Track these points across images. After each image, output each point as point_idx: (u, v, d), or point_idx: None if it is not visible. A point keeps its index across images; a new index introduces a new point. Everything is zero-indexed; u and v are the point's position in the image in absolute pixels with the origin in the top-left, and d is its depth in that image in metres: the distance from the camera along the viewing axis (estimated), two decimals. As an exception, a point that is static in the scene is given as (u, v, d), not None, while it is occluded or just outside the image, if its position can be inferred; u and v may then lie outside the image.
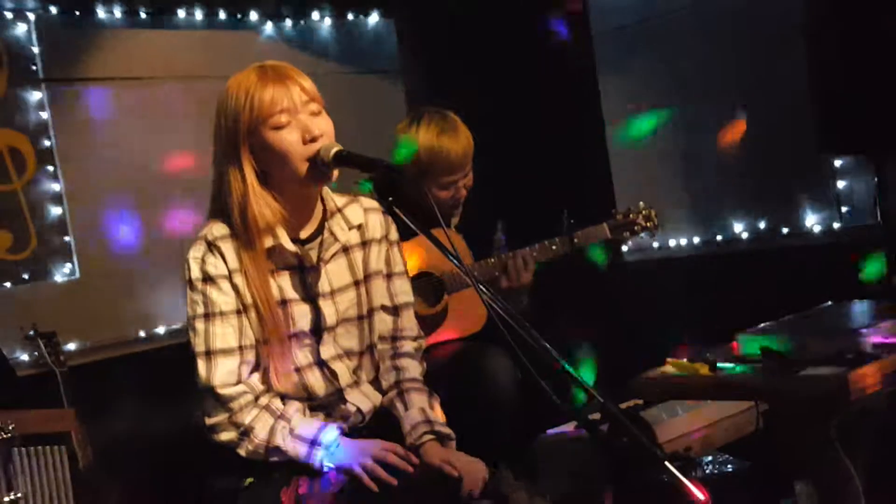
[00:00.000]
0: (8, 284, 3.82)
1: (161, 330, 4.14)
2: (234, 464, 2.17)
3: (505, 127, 4.13)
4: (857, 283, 3.65)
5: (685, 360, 2.30)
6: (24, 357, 3.70)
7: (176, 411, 3.91)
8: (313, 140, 2.12)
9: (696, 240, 4.60)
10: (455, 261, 1.99)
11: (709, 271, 4.46)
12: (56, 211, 3.96)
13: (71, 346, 3.86)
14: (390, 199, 2.10)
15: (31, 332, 3.59)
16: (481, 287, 1.96)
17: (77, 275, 3.98)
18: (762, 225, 4.38)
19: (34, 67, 3.97)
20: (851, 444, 2.11)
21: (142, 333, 4.11)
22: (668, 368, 2.19)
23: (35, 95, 3.95)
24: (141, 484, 3.55)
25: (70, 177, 4.00)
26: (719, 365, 2.17)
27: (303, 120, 2.13)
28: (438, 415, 2.27)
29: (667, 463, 1.73)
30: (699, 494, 1.71)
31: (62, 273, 3.95)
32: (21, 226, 3.88)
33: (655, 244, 4.67)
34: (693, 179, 4.58)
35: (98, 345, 3.98)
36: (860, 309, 2.43)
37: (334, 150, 2.12)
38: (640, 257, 4.68)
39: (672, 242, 4.64)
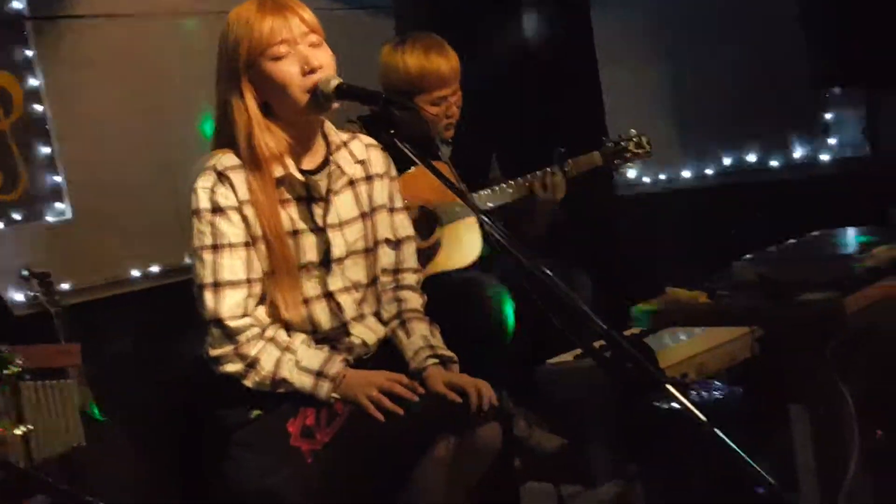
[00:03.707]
0: (0, 225, 3.81)
1: (155, 269, 4.14)
2: (241, 396, 2.20)
3: (499, 63, 4.12)
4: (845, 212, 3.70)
5: (683, 288, 2.33)
6: (20, 297, 3.70)
7: (171, 349, 3.95)
8: (312, 71, 2.13)
9: (686, 174, 4.61)
10: (459, 192, 2.01)
11: (698, 204, 4.48)
12: (45, 150, 3.92)
13: (65, 286, 3.86)
14: (392, 131, 2.12)
15: (25, 273, 3.59)
16: (484, 217, 1.97)
17: (69, 215, 3.96)
18: (751, 157, 4.40)
19: (19, 5, 3.91)
20: (846, 368, 2.15)
21: (135, 273, 4.11)
22: (668, 296, 2.23)
23: (21, 33, 3.90)
24: (139, 420, 3.59)
25: (59, 116, 3.95)
26: (718, 293, 2.20)
27: (302, 51, 2.13)
28: (440, 342, 2.31)
29: (670, 387, 1.77)
30: (702, 417, 1.75)
31: (54, 213, 3.94)
32: (10, 166, 3.84)
33: (646, 178, 4.68)
34: (682, 112, 4.58)
35: (92, 284, 3.97)
36: (851, 236, 2.47)
37: (334, 82, 2.13)
38: (630, 192, 4.70)
39: (662, 175, 4.65)
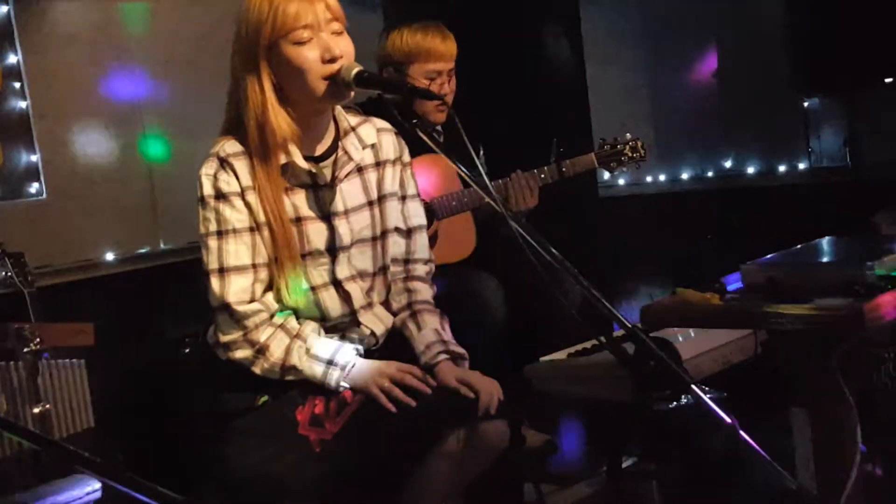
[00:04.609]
0: (-26, 203, 3.71)
1: (129, 252, 4.06)
2: (247, 382, 2.16)
3: (487, 61, 4.10)
4: (825, 221, 3.75)
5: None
6: (-9, 277, 3.61)
7: (146, 333, 3.89)
8: (333, 60, 2.10)
9: (662, 177, 4.64)
10: (484, 189, 1.99)
11: (675, 209, 4.52)
12: (23, 129, 3.84)
13: (39, 267, 3.77)
14: (414, 121, 2.09)
15: (-2, 252, 3.50)
16: (505, 212, 1.96)
17: (44, 195, 3.88)
18: (729, 164, 4.44)
19: (-1, -20, 3.82)
20: (850, 373, 2.17)
21: (110, 256, 4.04)
22: (678, 297, 2.23)
23: (0, 10, 3.80)
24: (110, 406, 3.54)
25: (37, 94, 3.86)
26: (726, 295, 2.22)
27: (325, 38, 2.10)
28: (451, 337, 2.29)
29: (694, 387, 1.77)
30: (726, 418, 1.76)
31: (29, 192, 3.85)
32: (-14, 143, 3.75)
33: (621, 181, 4.71)
34: (663, 118, 4.61)
35: (66, 266, 3.89)
36: (856, 244, 2.50)
37: (355, 70, 2.10)
38: (610, 193, 4.72)
39: (639, 179, 4.68)
